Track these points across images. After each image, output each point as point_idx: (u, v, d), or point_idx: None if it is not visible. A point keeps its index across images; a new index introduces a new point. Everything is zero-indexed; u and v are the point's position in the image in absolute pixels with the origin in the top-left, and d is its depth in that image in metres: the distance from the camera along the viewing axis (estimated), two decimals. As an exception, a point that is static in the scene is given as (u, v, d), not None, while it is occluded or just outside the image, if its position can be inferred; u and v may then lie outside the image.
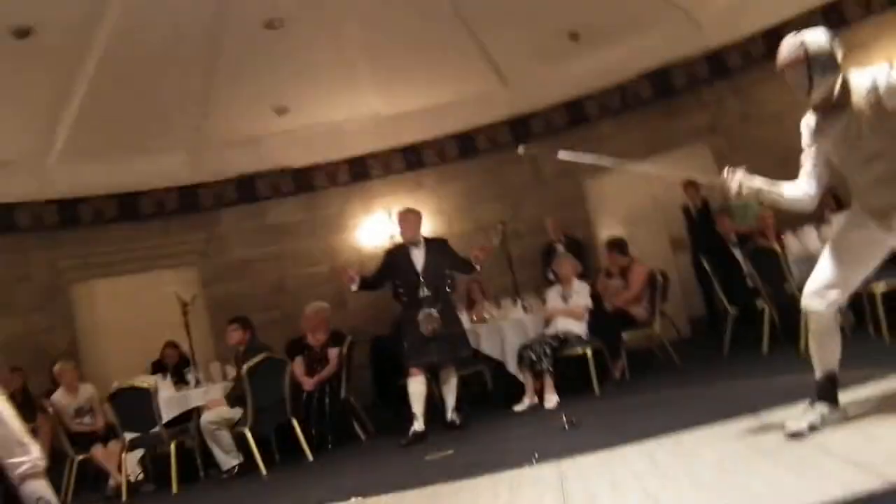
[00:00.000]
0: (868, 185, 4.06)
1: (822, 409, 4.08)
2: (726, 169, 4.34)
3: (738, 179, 4.26)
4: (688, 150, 10.92)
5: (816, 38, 3.99)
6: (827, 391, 4.13)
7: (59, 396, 8.60)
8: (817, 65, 3.95)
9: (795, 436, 3.96)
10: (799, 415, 4.09)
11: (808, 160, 4.23)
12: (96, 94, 10.34)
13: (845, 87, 3.98)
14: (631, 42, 10.94)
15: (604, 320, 8.23)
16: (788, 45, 4.04)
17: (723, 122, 10.91)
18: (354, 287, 7.59)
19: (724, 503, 3.41)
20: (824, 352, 4.15)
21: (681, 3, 10.55)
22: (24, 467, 4.35)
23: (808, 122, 4.22)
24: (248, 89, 11.01)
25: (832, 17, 9.53)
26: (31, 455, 4.41)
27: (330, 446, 8.18)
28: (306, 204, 12.32)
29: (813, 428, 3.98)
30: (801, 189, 4.25)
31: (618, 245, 8.93)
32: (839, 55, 3.97)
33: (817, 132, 4.15)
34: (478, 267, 7.70)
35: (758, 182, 4.30)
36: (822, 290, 4.09)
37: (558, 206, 11.29)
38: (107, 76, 10.12)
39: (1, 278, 10.77)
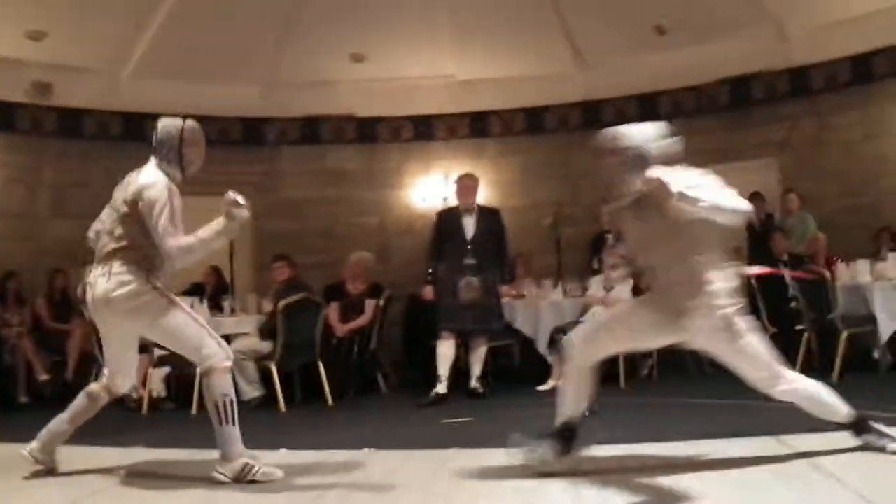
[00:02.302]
0: None
1: None
2: None
3: None
4: (757, 162, 10.78)
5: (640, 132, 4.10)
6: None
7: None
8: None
9: None
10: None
11: None
12: (178, 14, 10.50)
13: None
14: (715, 45, 10.69)
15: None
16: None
17: (795, 141, 10.70)
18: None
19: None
20: None
21: (773, 13, 10.36)
22: (209, 361, 4.47)
23: None
24: (328, 32, 11.04)
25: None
26: (221, 350, 4.55)
27: (351, 394, 8.26)
28: (367, 154, 12.37)
29: None
30: None
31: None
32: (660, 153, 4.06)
33: None
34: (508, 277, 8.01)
35: None
36: None
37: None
38: (191, -1, 10.28)
39: (61, 182, 10.99)
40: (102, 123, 11.36)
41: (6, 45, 10.24)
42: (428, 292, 7.72)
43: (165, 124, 4.70)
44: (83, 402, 4.68)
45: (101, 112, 11.33)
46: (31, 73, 10.78)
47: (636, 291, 8.22)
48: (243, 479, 4.31)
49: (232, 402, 4.42)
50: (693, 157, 11.19)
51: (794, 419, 5.08)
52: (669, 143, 4.13)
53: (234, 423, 4.40)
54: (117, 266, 4.42)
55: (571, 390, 4.31)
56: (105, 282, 4.42)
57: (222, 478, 4.33)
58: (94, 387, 4.72)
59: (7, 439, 5.54)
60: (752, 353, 4.09)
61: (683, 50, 10.84)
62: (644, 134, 4.12)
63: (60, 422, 4.62)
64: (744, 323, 4.09)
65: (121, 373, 4.73)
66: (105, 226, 4.63)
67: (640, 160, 4.00)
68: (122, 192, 4.58)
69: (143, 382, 8.06)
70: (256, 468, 4.35)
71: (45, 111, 11.05)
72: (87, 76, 10.97)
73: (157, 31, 10.76)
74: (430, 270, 7.75)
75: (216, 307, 8.91)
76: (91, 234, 4.79)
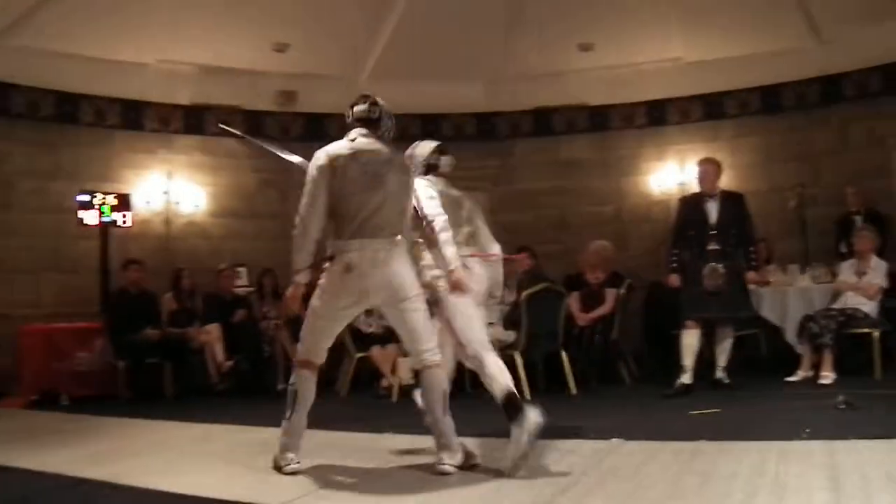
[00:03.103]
0: None
1: None
2: None
3: None
4: None
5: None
6: None
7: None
8: None
9: None
10: None
11: None
12: (408, 18, 10.96)
13: None
14: (966, 6, 9.98)
15: (896, 304, 7.86)
16: None
17: None
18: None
19: None
20: None
21: None
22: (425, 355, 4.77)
23: None
24: (554, 23, 11.13)
25: None
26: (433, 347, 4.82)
27: (594, 384, 8.32)
28: (599, 143, 12.37)
29: None
30: None
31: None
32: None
33: None
34: (753, 263, 7.66)
35: None
36: None
37: (862, 175, 10.57)
38: (421, 2, 10.66)
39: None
40: (343, 126, 11.88)
41: (254, 59, 11.04)
42: (674, 280, 7.65)
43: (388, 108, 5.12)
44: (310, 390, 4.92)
45: (342, 116, 11.85)
46: (277, 83, 11.57)
47: (892, 277, 7.91)
48: (467, 466, 4.60)
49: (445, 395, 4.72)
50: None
51: None
52: (434, 158, 5.48)
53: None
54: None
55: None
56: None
57: (447, 468, 4.56)
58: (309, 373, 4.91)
59: (269, 423, 5.98)
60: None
61: (931, 14, 10.17)
62: (421, 148, 5.49)
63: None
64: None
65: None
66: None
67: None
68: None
69: (393, 371, 8.47)
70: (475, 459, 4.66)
71: (290, 118, 11.83)
72: (328, 82, 11.60)
73: (390, 35, 11.28)
74: (675, 258, 7.69)
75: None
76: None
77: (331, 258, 4.71)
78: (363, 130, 4.91)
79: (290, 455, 4.75)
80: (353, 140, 4.86)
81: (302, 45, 11.06)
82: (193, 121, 11.50)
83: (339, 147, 4.81)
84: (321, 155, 4.77)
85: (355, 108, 4.99)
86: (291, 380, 4.87)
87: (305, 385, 4.81)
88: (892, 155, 10.91)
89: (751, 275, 7.60)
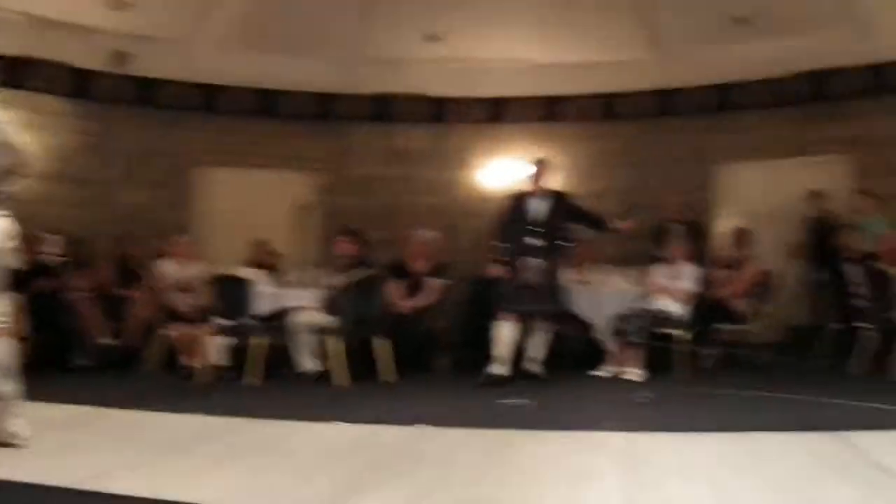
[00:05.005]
0: None
1: None
2: None
3: None
4: (830, 157, 10.56)
5: None
6: None
7: (167, 265, 8.85)
8: None
9: None
10: None
11: None
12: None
13: None
14: (797, 38, 10.41)
15: (702, 308, 8.13)
16: None
17: (869, 139, 10.37)
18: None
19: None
20: None
21: (860, 8, 10.08)
22: None
23: None
24: (404, 10, 11.10)
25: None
26: None
27: (410, 372, 8.29)
28: (436, 134, 12.36)
29: None
30: None
31: (744, 236, 8.76)
32: None
33: None
34: (615, 230, 7.88)
35: None
36: None
37: (686, 186, 11.06)
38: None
39: (134, 151, 11.28)
40: (179, 94, 11.58)
41: (89, 14, 10.45)
42: (494, 270, 7.70)
43: None
44: None
45: (179, 83, 11.55)
46: (111, 43, 10.99)
47: (700, 284, 8.18)
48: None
49: None
50: (769, 148, 11.00)
51: (856, 416, 5.06)
52: None
53: None
54: None
55: None
56: None
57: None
58: None
59: (63, 400, 5.68)
60: None
61: (762, 41, 10.60)
62: None
63: None
64: None
65: None
66: None
67: None
68: None
69: (197, 352, 8.15)
70: None
71: (121, 80, 11.27)
72: (166, 46, 11.14)
73: (238, 3, 10.94)
74: (497, 250, 7.76)
75: (278, 280, 8.95)
76: None
77: None
78: None
79: None
80: None
81: (142, 4, 10.54)
82: (17, 74, 10.83)
83: None
84: None
85: None
86: None
87: None
88: (712, 169, 11.36)
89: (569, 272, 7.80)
